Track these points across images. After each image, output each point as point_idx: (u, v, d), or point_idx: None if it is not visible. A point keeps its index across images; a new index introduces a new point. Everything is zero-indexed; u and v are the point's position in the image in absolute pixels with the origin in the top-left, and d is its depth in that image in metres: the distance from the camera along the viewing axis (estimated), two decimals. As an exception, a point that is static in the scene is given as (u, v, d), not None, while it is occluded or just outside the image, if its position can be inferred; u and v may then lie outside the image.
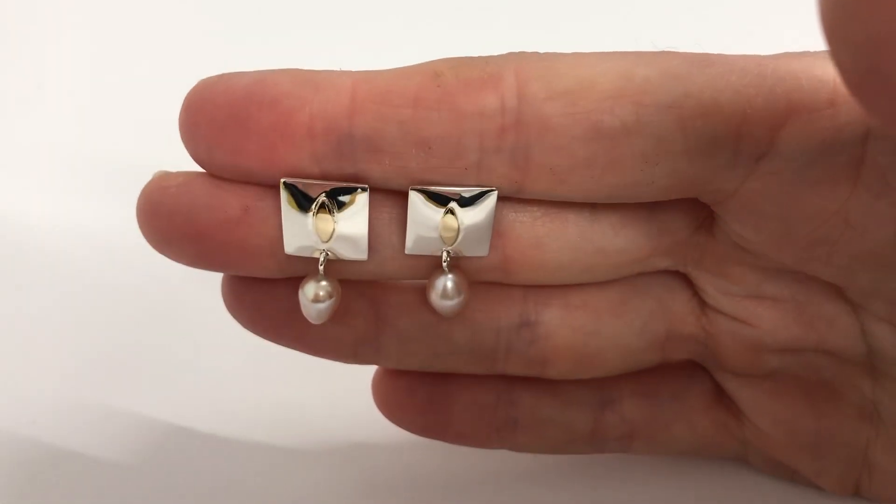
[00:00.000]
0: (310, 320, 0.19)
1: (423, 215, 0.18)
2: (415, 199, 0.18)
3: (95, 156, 0.34)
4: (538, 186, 0.18)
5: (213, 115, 0.17)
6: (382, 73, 0.17)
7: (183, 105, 0.18)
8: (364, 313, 0.20)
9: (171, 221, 0.18)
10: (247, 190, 0.18)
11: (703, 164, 0.17)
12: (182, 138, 0.18)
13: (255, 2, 0.39)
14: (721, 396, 0.22)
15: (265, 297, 0.20)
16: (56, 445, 0.24)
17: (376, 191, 0.18)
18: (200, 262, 0.19)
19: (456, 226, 0.18)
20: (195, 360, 0.27)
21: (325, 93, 0.17)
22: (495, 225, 0.19)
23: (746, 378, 0.22)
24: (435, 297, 0.19)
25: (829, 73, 0.16)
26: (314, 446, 0.25)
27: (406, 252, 0.19)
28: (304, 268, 0.19)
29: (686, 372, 0.23)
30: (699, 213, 0.19)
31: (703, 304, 0.21)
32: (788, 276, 0.19)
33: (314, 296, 0.19)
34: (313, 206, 0.18)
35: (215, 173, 0.18)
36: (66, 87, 0.37)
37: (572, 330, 0.21)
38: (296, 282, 0.19)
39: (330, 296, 0.19)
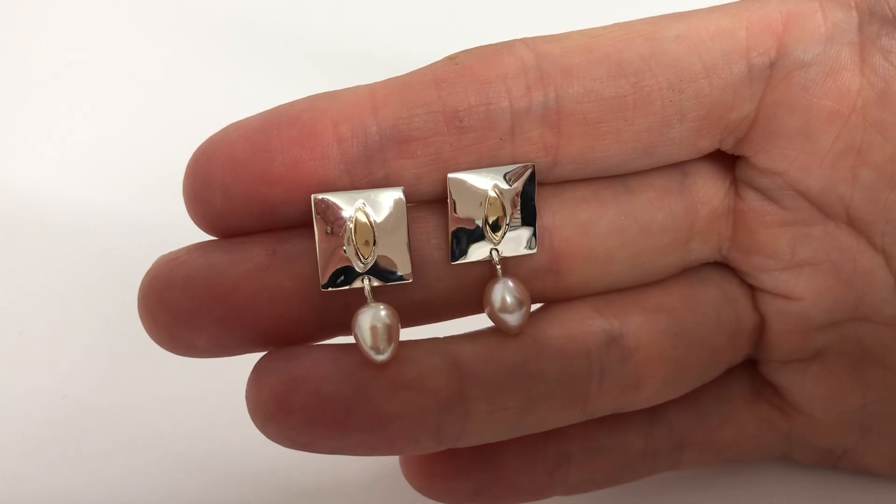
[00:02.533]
0: (373, 358, 0.17)
1: (463, 208, 0.17)
2: (453, 188, 0.17)
3: (128, 140, 0.34)
4: (573, 148, 0.17)
5: (232, 151, 0.16)
6: (396, 76, 0.17)
7: (191, 161, 0.17)
8: (442, 372, 0.18)
9: (187, 290, 0.16)
10: (269, 235, 0.17)
11: (724, 82, 0.18)
12: (189, 201, 0.17)
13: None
14: (761, 391, 0.22)
15: (322, 389, 0.17)
16: (85, 420, 0.25)
17: (410, 206, 0.17)
18: (224, 329, 0.17)
19: (500, 203, 0.17)
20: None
21: (345, 99, 0.17)
22: (538, 219, 0.18)
23: (793, 364, 0.21)
24: (497, 311, 0.18)
25: None
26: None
27: (452, 262, 0.17)
28: (341, 313, 0.17)
29: (723, 374, 0.21)
30: (725, 175, 0.20)
31: (750, 289, 0.20)
32: (819, 231, 0.19)
33: (371, 325, 0.16)
34: (348, 222, 0.16)
35: (233, 227, 0.17)
36: (96, 77, 0.37)
37: (659, 334, 0.19)
38: (352, 366, 0.17)
39: (390, 318, 0.17)
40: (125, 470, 0.23)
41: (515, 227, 0.18)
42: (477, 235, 0.17)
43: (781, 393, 0.21)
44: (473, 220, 0.17)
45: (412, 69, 0.17)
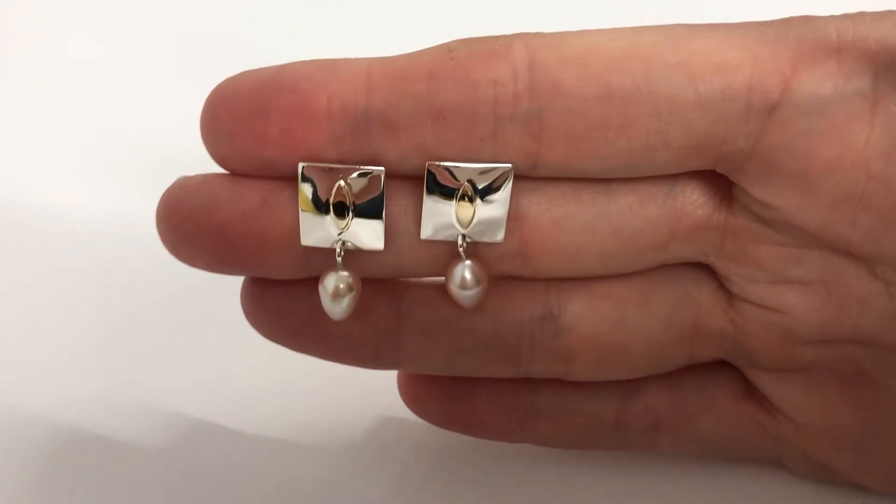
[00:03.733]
0: (331, 316, 0.19)
1: (438, 195, 0.18)
2: (431, 175, 0.18)
3: (130, 146, 0.34)
4: (553, 156, 0.18)
5: (236, 106, 0.18)
6: (398, 56, 0.18)
7: (206, 102, 0.18)
8: (384, 309, 0.20)
9: (190, 216, 0.19)
10: (265, 183, 0.19)
11: (716, 118, 0.17)
12: (203, 135, 0.18)
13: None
14: (752, 391, 0.22)
15: (284, 299, 0.20)
16: (86, 431, 0.24)
17: (393, 178, 0.18)
18: (218, 258, 0.19)
19: (472, 205, 0.18)
20: (224, 346, 0.27)
21: (343, 74, 0.17)
22: (511, 208, 0.19)
23: (780, 373, 0.21)
24: (454, 287, 0.19)
25: (831, 27, 0.17)
26: (338, 439, 0.24)
27: (422, 237, 0.19)
28: (321, 265, 0.19)
29: (713, 366, 0.22)
30: (717, 190, 0.19)
31: (729, 295, 0.21)
32: (815, 255, 0.19)
33: (334, 289, 0.19)
34: (331, 193, 0.18)
35: (236, 170, 0.19)
36: (104, 77, 0.37)
37: (597, 320, 0.20)
38: (314, 283, 0.19)
39: (350, 288, 0.19)
40: (127, 482, 0.23)
41: (485, 218, 0.19)
42: (447, 221, 0.19)
43: (767, 397, 0.21)
44: (446, 209, 0.18)
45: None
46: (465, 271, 0.19)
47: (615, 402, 0.22)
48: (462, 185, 0.18)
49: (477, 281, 0.19)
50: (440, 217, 0.18)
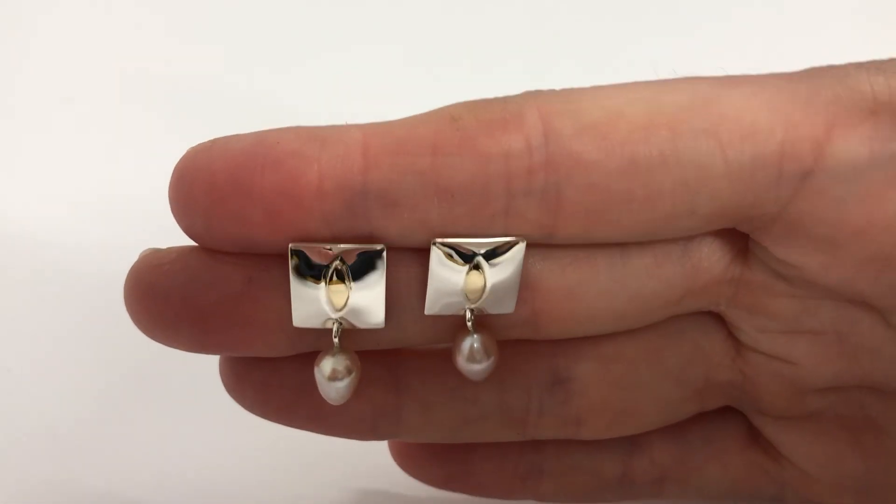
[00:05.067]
0: (328, 401, 0.17)
1: (445, 272, 0.17)
2: (437, 255, 0.16)
3: (114, 181, 0.33)
4: (571, 230, 0.16)
5: (211, 183, 0.16)
6: (394, 123, 0.16)
7: (173, 176, 0.16)
8: (383, 383, 0.19)
9: (166, 303, 0.17)
10: (249, 260, 0.17)
11: (746, 186, 0.16)
12: (173, 211, 0.16)
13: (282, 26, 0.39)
14: (756, 437, 0.21)
15: (271, 375, 0.18)
16: (75, 460, 0.24)
17: (392, 249, 0.17)
18: (201, 345, 0.17)
19: (482, 283, 0.17)
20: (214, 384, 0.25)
21: (334, 148, 0.15)
22: (523, 276, 0.17)
23: (787, 421, 0.20)
24: (462, 361, 0.18)
25: (865, 83, 0.16)
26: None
27: (426, 313, 0.17)
28: (315, 341, 0.18)
29: (718, 415, 0.21)
30: (734, 244, 0.18)
31: (738, 344, 0.20)
32: (829, 306, 0.18)
33: (331, 372, 0.17)
34: (325, 274, 0.16)
35: (214, 248, 0.17)
36: (94, 99, 0.37)
37: (608, 384, 0.19)
38: (304, 356, 0.18)
39: (349, 371, 0.17)
40: None
41: (496, 287, 0.17)
42: (455, 297, 0.17)
43: (775, 446, 0.21)
44: (453, 283, 0.17)
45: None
46: (473, 344, 0.18)
47: (620, 457, 0.21)
48: (471, 257, 0.16)
49: (487, 354, 0.18)
50: (447, 292, 0.17)
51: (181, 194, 0.16)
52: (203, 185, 0.16)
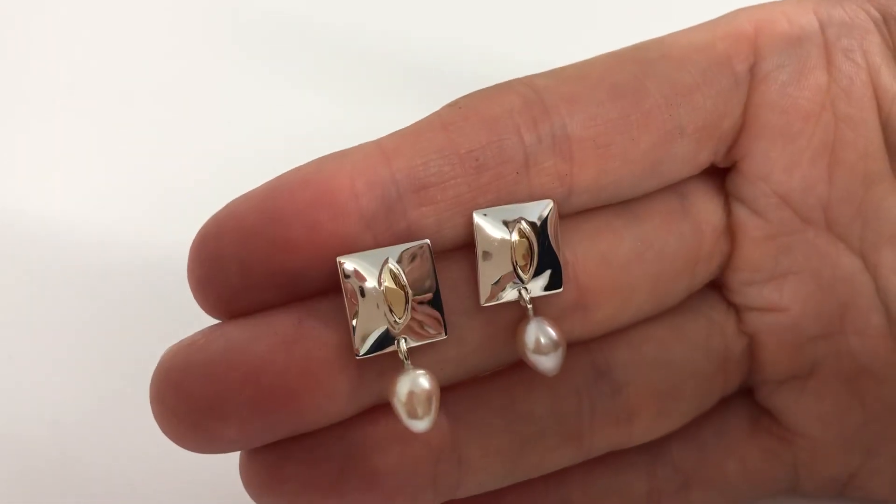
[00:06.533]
0: (412, 428, 0.16)
1: (492, 242, 0.17)
2: (480, 224, 0.17)
3: (117, 165, 0.32)
4: (587, 174, 0.17)
5: (241, 224, 0.15)
6: (400, 129, 0.17)
7: (195, 245, 0.16)
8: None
9: (210, 375, 0.15)
10: (292, 306, 0.16)
11: (715, 92, 0.18)
12: (199, 285, 0.16)
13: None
14: (759, 421, 0.21)
15: (310, 454, 0.17)
16: (75, 446, 0.24)
17: (438, 252, 0.17)
18: (256, 411, 0.16)
19: (527, 245, 0.17)
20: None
21: (354, 155, 0.16)
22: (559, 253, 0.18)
23: (790, 383, 0.21)
24: (530, 351, 0.17)
25: (777, 7, 0.19)
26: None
27: (482, 304, 0.17)
28: (377, 379, 0.16)
29: (721, 407, 0.21)
30: (719, 193, 0.20)
31: (736, 309, 0.21)
32: (800, 240, 0.20)
33: (409, 392, 0.16)
34: (379, 280, 0.16)
35: (251, 304, 0.16)
36: (96, 89, 0.35)
37: (648, 367, 0.19)
38: (336, 430, 0.17)
39: (428, 383, 0.16)
40: (115, 498, 0.23)
41: (541, 267, 0.17)
42: (505, 276, 0.17)
43: (780, 419, 0.21)
44: (501, 261, 0.17)
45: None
46: (538, 333, 0.17)
47: (644, 470, 0.21)
48: (514, 224, 0.17)
49: (554, 343, 0.17)
50: (498, 266, 0.17)
51: (208, 251, 0.16)
52: (233, 230, 0.16)
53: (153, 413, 0.16)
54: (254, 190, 0.16)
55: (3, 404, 0.25)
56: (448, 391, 0.18)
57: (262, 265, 0.15)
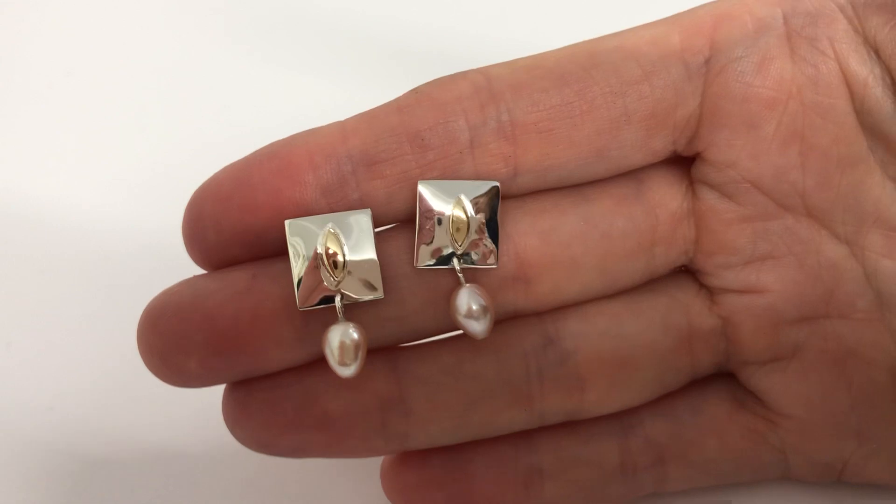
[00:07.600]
0: (339, 373, 0.18)
1: (430, 211, 0.18)
2: (422, 193, 0.18)
3: (116, 153, 0.33)
4: (531, 156, 0.19)
5: (219, 190, 0.18)
6: (364, 111, 0.19)
7: (186, 207, 0.18)
8: (383, 373, 0.19)
9: (177, 315, 0.18)
10: (251, 263, 0.19)
11: (663, 83, 0.19)
12: (187, 241, 0.18)
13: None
14: (743, 402, 0.21)
15: (273, 391, 0.19)
16: (72, 433, 0.24)
17: (387, 225, 0.19)
18: (212, 350, 0.18)
19: (465, 218, 0.18)
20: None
21: (318, 133, 0.18)
22: (502, 228, 0.19)
23: (772, 365, 0.21)
24: (461, 315, 0.18)
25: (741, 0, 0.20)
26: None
27: (417, 265, 0.19)
28: (322, 330, 0.18)
29: (702, 385, 0.22)
30: (682, 180, 0.20)
31: (710, 292, 0.21)
32: (778, 225, 0.20)
33: (340, 341, 0.18)
34: (320, 242, 0.18)
35: (224, 256, 0.18)
36: (93, 75, 0.36)
37: (597, 337, 0.20)
38: (303, 371, 0.19)
39: (357, 334, 0.18)
40: (112, 484, 0.23)
41: (479, 241, 0.19)
42: (441, 244, 0.19)
43: (764, 400, 0.21)
44: (438, 230, 0.18)
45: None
46: (469, 299, 0.18)
47: (616, 440, 0.21)
48: (455, 198, 0.18)
49: (483, 308, 0.18)
50: (434, 239, 0.18)
51: (193, 212, 0.18)
52: (211, 195, 0.18)
53: (139, 349, 0.18)
54: (236, 161, 0.19)
55: (1, 390, 0.26)
56: (399, 350, 0.20)
57: (233, 225, 0.18)
